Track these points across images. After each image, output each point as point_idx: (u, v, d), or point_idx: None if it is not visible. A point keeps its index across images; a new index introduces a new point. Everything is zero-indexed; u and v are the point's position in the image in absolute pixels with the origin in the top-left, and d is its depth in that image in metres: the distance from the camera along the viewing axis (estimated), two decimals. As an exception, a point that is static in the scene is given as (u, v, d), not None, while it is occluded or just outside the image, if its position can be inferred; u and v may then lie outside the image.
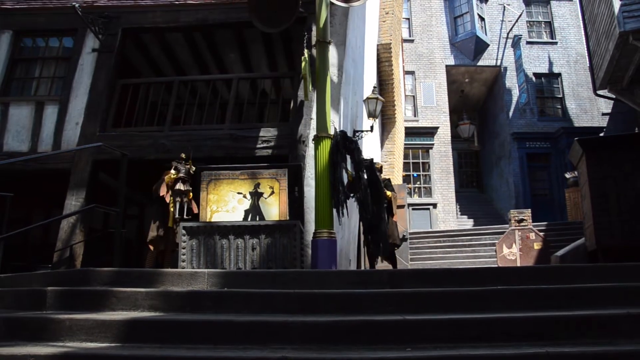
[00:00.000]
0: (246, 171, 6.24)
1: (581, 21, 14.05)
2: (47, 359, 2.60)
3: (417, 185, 17.85)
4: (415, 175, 17.94)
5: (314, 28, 7.09)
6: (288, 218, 6.15)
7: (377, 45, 12.23)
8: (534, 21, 19.21)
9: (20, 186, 7.48)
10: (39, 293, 3.61)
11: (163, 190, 6.90)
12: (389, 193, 7.16)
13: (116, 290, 3.59)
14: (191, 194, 6.89)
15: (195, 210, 6.61)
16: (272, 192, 6.22)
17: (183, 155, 7.13)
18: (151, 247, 7.00)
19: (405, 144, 16.55)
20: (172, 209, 6.90)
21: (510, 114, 18.15)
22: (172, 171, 6.95)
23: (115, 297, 3.51)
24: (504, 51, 18.71)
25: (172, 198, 6.87)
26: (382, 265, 9.17)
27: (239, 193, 6.24)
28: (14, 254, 8.92)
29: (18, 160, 7.22)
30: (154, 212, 7.15)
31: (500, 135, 18.91)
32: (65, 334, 2.93)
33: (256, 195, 6.19)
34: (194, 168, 6.99)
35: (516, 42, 18.22)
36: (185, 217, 6.64)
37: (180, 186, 6.84)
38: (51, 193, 8.65)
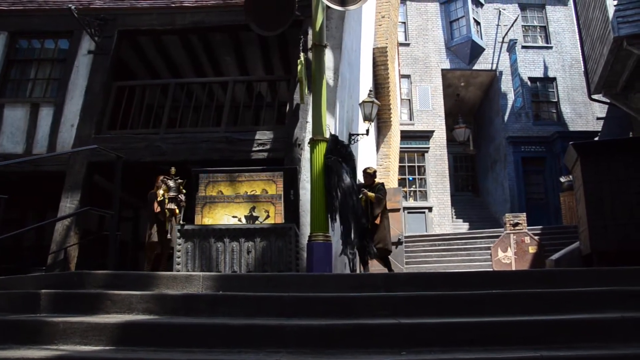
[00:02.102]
0: (241, 195, 6.18)
1: (576, 26, 14.11)
2: (40, 362, 2.58)
3: (412, 189, 17.88)
4: (410, 178, 17.96)
5: (310, 31, 7.11)
6: (283, 221, 6.14)
7: (373, 48, 12.24)
8: (529, 26, 19.31)
9: (15, 188, 7.44)
10: (32, 296, 3.60)
11: (157, 208, 6.95)
12: (370, 194, 7.16)
13: (111, 293, 3.57)
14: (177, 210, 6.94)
15: None
16: (268, 217, 6.20)
17: (172, 171, 7.13)
18: (147, 253, 7.02)
19: (400, 148, 16.57)
20: (167, 208, 6.93)
21: (506, 118, 18.21)
22: (160, 191, 6.97)
23: (109, 300, 3.49)
24: (499, 55, 18.78)
25: (166, 213, 6.91)
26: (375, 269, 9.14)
27: (233, 217, 6.21)
28: (7, 256, 8.89)
29: (13, 163, 7.19)
30: (150, 216, 7.15)
31: (496, 139, 18.96)
32: (59, 337, 2.92)
33: (251, 219, 6.16)
34: (184, 192, 7.02)
35: (511, 47, 18.29)
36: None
37: (171, 205, 6.85)
38: (46, 195, 8.62)
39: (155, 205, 6.98)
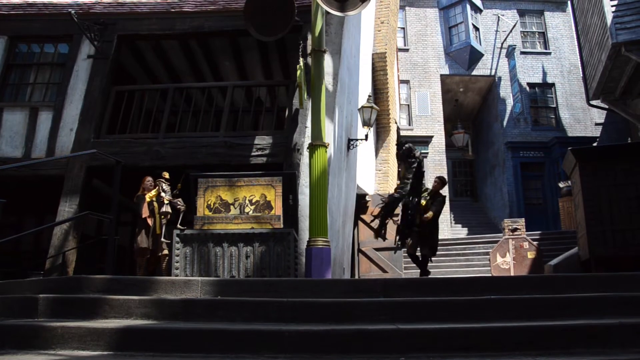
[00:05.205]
0: (240, 216, 6.20)
1: (574, 32, 14.16)
2: (38, 367, 2.58)
3: (411, 194, 17.85)
4: (409, 183, 17.94)
5: (309, 37, 7.12)
6: (282, 226, 6.14)
7: (372, 54, 12.27)
8: (527, 31, 19.36)
9: (14, 192, 7.44)
10: (30, 300, 3.59)
11: (145, 212, 6.91)
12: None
13: (109, 297, 3.57)
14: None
15: None
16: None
17: (167, 175, 7.12)
18: (137, 259, 7.02)
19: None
20: (158, 216, 6.92)
21: (505, 123, 18.24)
22: (153, 192, 6.96)
23: (108, 304, 3.49)
24: (498, 61, 18.83)
25: (158, 218, 6.90)
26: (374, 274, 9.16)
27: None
28: (6, 261, 8.88)
29: (11, 167, 7.19)
30: (139, 221, 7.14)
31: (495, 145, 18.99)
32: (57, 342, 2.91)
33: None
34: (177, 193, 7.04)
35: (510, 52, 18.35)
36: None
37: (167, 209, 6.85)
38: (44, 199, 8.61)
39: (144, 209, 6.94)
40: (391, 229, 9.76)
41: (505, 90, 18.53)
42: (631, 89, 11.12)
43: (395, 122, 15.12)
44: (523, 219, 11.69)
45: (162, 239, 6.89)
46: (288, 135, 7.67)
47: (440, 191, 7.60)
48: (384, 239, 7.99)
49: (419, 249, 7.42)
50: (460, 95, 20.06)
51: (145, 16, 8.69)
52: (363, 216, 11.30)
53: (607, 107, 12.51)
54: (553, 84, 18.57)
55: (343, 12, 6.10)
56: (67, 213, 7.64)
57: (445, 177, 17.76)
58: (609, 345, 2.82)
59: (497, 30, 19.14)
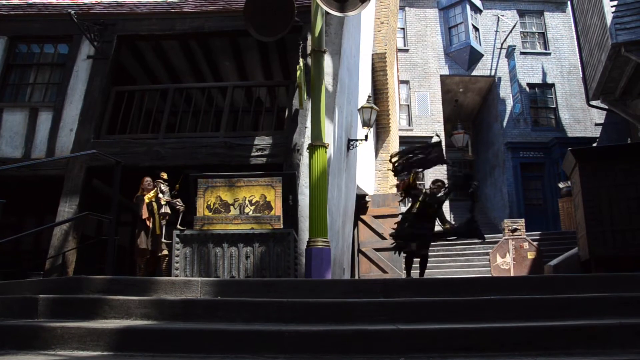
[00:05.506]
0: (240, 216, 6.20)
1: (574, 32, 14.16)
2: (38, 367, 2.58)
3: (411, 194, 17.84)
4: (409, 184, 17.94)
5: (309, 37, 7.12)
6: (282, 226, 6.14)
7: (372, 54, 12.27)
8: (527, 32, 19.37)
9: (13, 192, 7.43)
10: (30, 301, 3.59)
11: (145, 213, 6.92)
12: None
13: (109, 298, 3.57)
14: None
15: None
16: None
17: (165, 176, 7.12)
18: (137, 260, 7.03)
19: (399, 153, 16.54)
20: (157, 217, 6.93)
21: (504, 123, 18.25)
22: (151, 193, 6.97)
23: (108, 305, 3.49)
24: (498, 61, 18.83)
25: (157, 219, 6.91)
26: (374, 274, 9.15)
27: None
28: (5, 261, 8.87)
29: (11, 167, 7.19)
30: (139, 222, 7.15)
31: (494, 145, 18.99)
32: (57, 343, 2.91)
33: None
34: (175, 194, 7.05)
35: (510, 53, 18.36)
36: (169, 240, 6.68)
37: (166, 209, 6.85)
38: (44, 199, 8.61)
39: (144, 210, 6.95)
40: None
41: (505, 91, 18.53)
42: (631, 90, 11.13)
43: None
44: (523, 219, 11.71)
45: (162, 240, 6.89)
46: (288, 135, 7.67)
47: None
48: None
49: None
50: (460, 96, 20.07)
51: (145, 16, 8.69)
52: (363, 216, 11.30)
53: (607, 107, 12.51)
54: (553, 85, 18.58)
55: (343, 13, 6.11)
56: (67, 213, 7.64)
57: (445, 177, 17.88)
58: (609, 346, 2.82)
59: (497, 31, 19.14)
